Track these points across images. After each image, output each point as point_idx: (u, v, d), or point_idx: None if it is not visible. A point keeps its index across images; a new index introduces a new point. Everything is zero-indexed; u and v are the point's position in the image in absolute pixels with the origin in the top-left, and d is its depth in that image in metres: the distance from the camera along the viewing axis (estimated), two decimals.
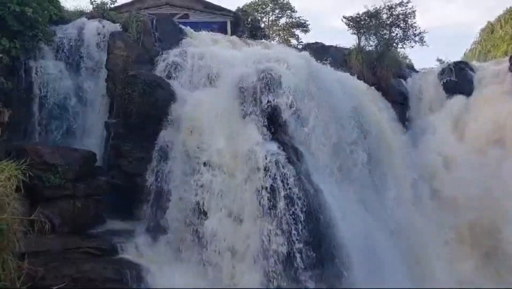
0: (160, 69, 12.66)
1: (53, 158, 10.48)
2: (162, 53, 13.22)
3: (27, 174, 8.71)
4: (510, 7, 22.13)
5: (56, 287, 7.78)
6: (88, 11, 15.77)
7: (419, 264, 12.11)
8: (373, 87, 15.00)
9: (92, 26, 14.03)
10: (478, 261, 12.96)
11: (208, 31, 16.07)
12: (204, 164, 10.69)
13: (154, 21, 14.63)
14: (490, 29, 23.18)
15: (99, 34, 13.89)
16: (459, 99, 15.32)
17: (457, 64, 16.43)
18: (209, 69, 12.46)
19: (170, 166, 10.94)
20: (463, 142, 14.50)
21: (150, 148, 11.20)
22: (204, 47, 13.59)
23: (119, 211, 11.20)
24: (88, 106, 13.10)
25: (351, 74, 14.87)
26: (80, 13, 15.37)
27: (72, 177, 10.53)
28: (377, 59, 15.90)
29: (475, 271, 12.83)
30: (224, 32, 18.74)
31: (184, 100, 11.60)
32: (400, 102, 15.66)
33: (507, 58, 16.33)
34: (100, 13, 15.13)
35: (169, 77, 12.37)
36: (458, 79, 15.86)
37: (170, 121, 11.34)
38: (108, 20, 14.61)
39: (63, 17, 14.50)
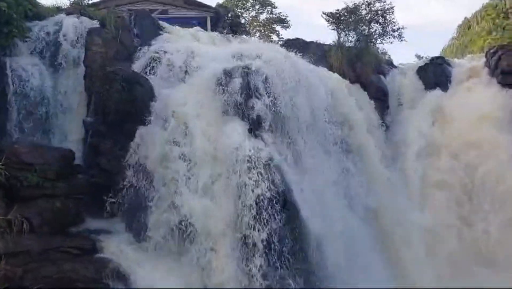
0: (139, 66, 12.54)
1: (30, 157, 10.32)
2: (141, 50, 13.11)
3: (3, 174, 8.56)
4: (486, 4, 22.52)
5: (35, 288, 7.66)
6: (65, 7, 15.52)
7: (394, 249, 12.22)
8: (351, 83, 15.12)
9: (69, 23, 13.78)
10: (453, 244, 13.19)
11: (188, 27, 15.97)
12: (184, 161, 10.62)
13: (133, 17, 14.48)
14: (467, 25, 23.53)
15: (76, 30, 13.67)
16: (436, 94, 15.55)
17: (435, 59, 16.67)
18: (188, 65, 12.39)
19: (150, 164, 10.84)
20: (441, 137, 14.73)
21: (130, 146, 11.09)
22: (184, 43, 13.50)
23: (99, 209, 11.08)
24: (66, 104, 12.88)
25: (331, 71, 15.00)
26: (57, 9, 15.11)
27: (51, 176, 10.38)
28: (357, 55, 16.02)
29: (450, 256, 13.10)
30: (204, 28, 18.65)
31: (164, 97, 11.52)
32: (379, 98, 15.82)
33: (483, 53, 16.63)
34: (77, 9, 14.90)
35: (148, 73, 12.25)
36: (436, 74, 16.09)
37: (149, 118, 11.24)
38: (85, 16, 14.38)
39: (39, 13, 14.21)
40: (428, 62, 16.56)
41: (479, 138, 14.15)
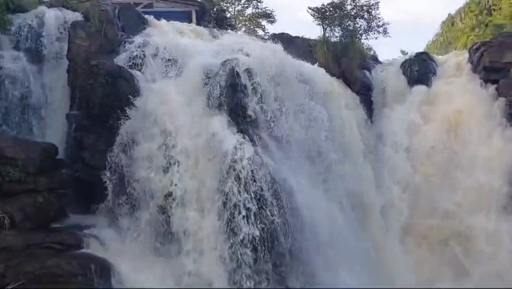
0: (123, 60, 12.43)
1: (12, 151, 10.19)
2: (125, 43, 12.99)
3: None
4: (469, 0, 22.76)
5: (15, 284, 7.56)
6: None
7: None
8: (336, 78, 15.19)
9: (52, 15, 13.60)
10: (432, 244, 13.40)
11: (173, 20, 15.85)
12: (169, 156, 10.57)
13: (117, 10, 14.34)
14: (450, 22, 23.80)
15: (59, 23, 13.49)
16: (420, 90, 15.69)
17: (419, 55, 16.78)
18: (173, 60, 12.33)
19: (134, 160, 10.76)
20: (424, 132, 14.90)
21: (114, 140, 11.00)
22: (168, 37, 13.41)
23: (83, 205, 11.01)
24: (49, 97, 12.74)
25: (317, 66, 15.03)
26: (39, 2, 14.87)
27: (33, 170, 10.25)
28: (342, 51, 16.06)
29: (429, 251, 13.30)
30: (189, 22, 18.53)
31: (148, 91, 11.45)
32: (364, 94, 15.91)
33: (466, 50, 16.81)
34: (60, 1, 14.66)
35: (132, 67, 12.16)
36: (420, 70, 16.21)
37: (134, 112, 11.15)
38: (68, 9, 14.18)
39: (21, 6, 13.98)
40: (413, 58, 16.66)
41: (461, 133, 14.35)
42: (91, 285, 9.29)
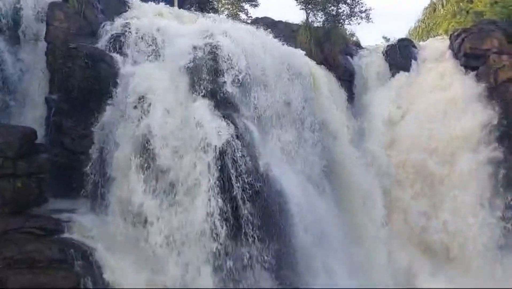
0: (103, 43, 12.21)
1: None
2: (105, 26, 12.72)
3: None
4: None
5: None
6: None
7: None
8: (318, 63, 15.18)
9: None
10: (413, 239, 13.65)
11: (154, 3, 15.60)
12: (150, 140, 10.48)
13: None
14: (432, 8, 23.94)
15: (36, 4, 13.12)
16: (402, 76, 15.83)
17: (401, 41, 16.90)
18: (154, 43, 12.14)
19: (114, 144, 10.64)
20: (405, 117, 15.06)
21: (94, 124, 10.87)
22: (150, 20, 13.19)
23: (63, 190, 10.89)
24: (27, 81, 12.46)
25: (300, 50, 14.97)
26: None
27: (12, 155, 10.06)
28: (325, 36, 16.07)
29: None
30: (171, 4, 18.24)
31: (129, 75, 11.27)
32: (346, 79, 15.97)
33: (448, 36, 16.95)
34: None
35: (112, 50, 11.95)
36: (401, 56, 16.34)
37: (114, 96, 11.02)
38: None
39: None
40: (395, 44, 16.77)
41: (442, 119, 14.56)
42: (71, 270, 9.23)
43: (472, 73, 15.09)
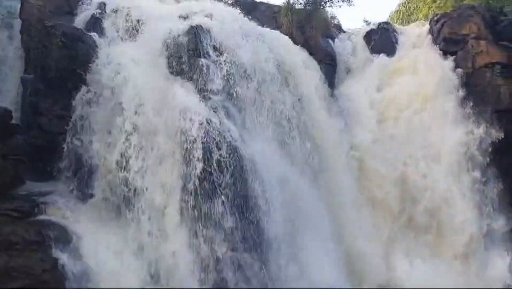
0: (81, 22, 12.01)
1: None
2: (83, 4, 12.49)
3: None
4: None
5: None
6: None
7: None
8: (300, 46, 15.15)
9: None
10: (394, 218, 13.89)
11: None
12: (128, 121, 10.38)
13: None
14: None
15: None
16: (382, 60, 15.90)
17: (381, 25, 16.92)
18: (133, 23, 11.97)
19: (92, 125, 10.54)
20: (384, 101, 15.19)
21: (71, 105, 10.71)
22: (129, 0, 12.95)
23: (40, 171, 10.75)
24: (1, 59, 12.17)
25: (280, 33, 14.91)
26: None
27: None
28: (306, 18, 15.97)
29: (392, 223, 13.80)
30: None
31: (107, 55, 11.12)
32: (327, 62, 15.95)
33: (428, 21, 17.04)
34: None
35: (90, 30, 11.75)
36: (382, 40, 16.38)
37: (92, 76, 10.85)
38: None
39: None
40: (375, 28, 16.79)
41: (421, 103, 14.74)
42: (49, 252, 9.16)
43: (451, 58, 15.24)
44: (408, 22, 20.27)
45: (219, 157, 10.21)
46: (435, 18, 16.21)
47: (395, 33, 16.74)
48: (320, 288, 10.40)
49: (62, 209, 10.11)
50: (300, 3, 16.62)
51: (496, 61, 14.75)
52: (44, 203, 10.07)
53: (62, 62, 10.88)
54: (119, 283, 9.37)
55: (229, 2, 17.51)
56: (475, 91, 14.63)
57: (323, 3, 17.02)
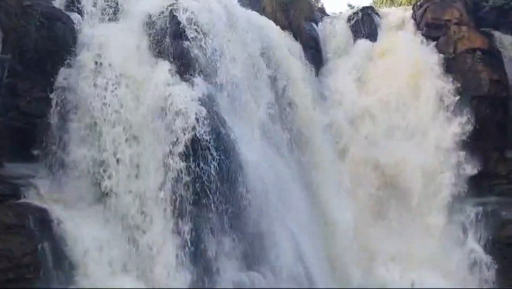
0: (60, 1, 11.70)
1: None
2: None
3: None
4: None
5: None
6: None
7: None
8: (283, 29, 15.09)
9: None
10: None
11: None
12: (110, 103, 10.25)
13: None
14: None
15: None
16: (365, 44, 15.95)
17: (364, 9, 16.93)
18: (114, 3, 11.72)
19: (73, 106, 10.37)
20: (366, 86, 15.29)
21: (51, 87, 10.50)
22: None
23: (19, 154, 10.53)
24: None
25: (264, 15, 14.82)
26: None
27: None
28: (290, 1, 15.90)
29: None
30: None
31: (87, 36, 10.92)
32: (311, 46, 15.95)
33: (411, 6, 17.10)
34: None
35: (70, 9, 11.50)
36: (365, 24, 16.42)
37: (72, 57, 10.66)
38: None
39: None
40: (359, 12, 16.79)
41: (403, 86, 14.89)
42: (29, 235, 9.07)
43: (433, 44, 15.36)
44: (392, 6, 20.29)
45: (201, 139, 10.15)
46: (418, 3, 16.30)
47: (378, 18, 16.79)
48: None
49: (42, 192, 9.98)
50: None
51: (477, 47, 14.96)
52: (24, 186, 9.92)
53: (40, 43, 10.66)
54: (100, 267, 9.36)
55: None
56: (456, 77, 14.80)
57: None
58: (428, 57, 15.14)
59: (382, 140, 14.50)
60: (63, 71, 10.58)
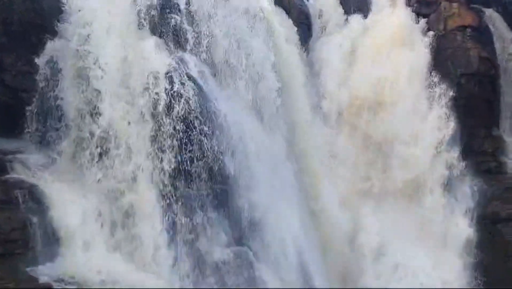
0: None
1: None
2: None
3: None
4: None
5: None
6: None
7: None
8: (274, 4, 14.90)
9: None
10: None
11: None
12: (98, 77, 10.09)
13: None
14: None
15: None
16: (356, 20, 15.85)
17: None
18: None
19: (60, 81, 10.21)
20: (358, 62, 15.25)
21: (38, 61, 10.30)
22: None
23: (7, 129, 10.43)
24: None
25: None
26: None
27: None
28: None
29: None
30: None
31: (74, 9, 10.68)
32: (302, 22, 15.79)
33: None
34: None
35: None
36: (356, 0, 16.26)
37: (58, 31, 10.46)
38: None
39: None
40: None
41: (392, 62, 14.88)
42: (17, 210, 9.07)
43: (423, 21, 15.31)
44: None
45: (188, 113, 10.14)
46: None
47: None
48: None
49: (30, 167, 9.90)
50: None
51: (467, 24, 14.94)
52: (12, 161, 9.85)
53: (26, 16, 10.48)
54: (88, 242, 9.39)
55: None
56: (446, 54, 14.81)
57: None
58: (418, 34, 15.10)
59: (370, 113, 14.55)
60: (49, 45, 10.39)
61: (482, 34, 14.98)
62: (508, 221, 13.18)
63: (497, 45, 15.19)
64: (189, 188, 10.07)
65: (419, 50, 14.86)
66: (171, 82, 10.12)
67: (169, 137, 9.94)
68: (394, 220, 13.78)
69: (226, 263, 10.19)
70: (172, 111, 10.03)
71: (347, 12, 16.07)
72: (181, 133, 10.00)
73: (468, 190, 14.05)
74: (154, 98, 10.11)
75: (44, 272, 8.77)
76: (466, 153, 14.27)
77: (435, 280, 13.22)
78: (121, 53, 10.32)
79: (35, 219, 9.08)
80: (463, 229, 13.65)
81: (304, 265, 11.16)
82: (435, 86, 14.46)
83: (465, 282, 13.24)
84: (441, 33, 15.07)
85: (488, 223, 13.53)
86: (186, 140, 10.00)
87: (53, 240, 9.22)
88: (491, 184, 14.07)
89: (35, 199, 9.34)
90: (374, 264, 13.41)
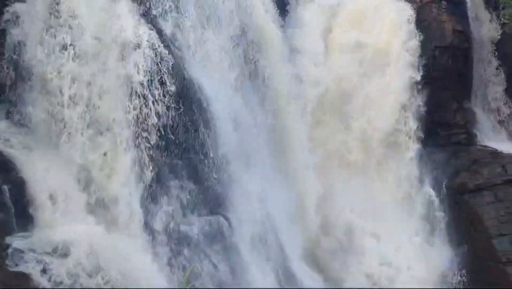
0: None
1: None
2: None
3: None
4: None
5: None
6: None
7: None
8: None
9: None
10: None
11: None
12: (67, 46, 9.79)
13: None
14: None
15: None
16: None
17: None
18: None
19: (28, 45, 9.87)
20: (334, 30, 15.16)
21: (5, 21, 9.96)
22: None
23: None
24: None
25: None
26: None
27: None
28: None
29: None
30: None
31: None
32: None
33: None
34: None
35: None
36: None
37: None
38: None
39: None
40: None
41: (368, 35, 14.84)
42: None
43: None
44: None
45: (165, 83, 10.03)
46: None
47: None
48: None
49: (2, 134, 9.70)
50: None
51: None
52: None
53: None
54: (61, 212, 9.29)
55: None
56: (421, 26, 14.83)
57: None
58: (398, 10, 15.00)
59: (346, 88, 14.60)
60: (15, 6, 9.99)
61: (457, 7, 15.02)
62: (475, 192, 13.49)
63: (471, 18, 15.29)
64: (165, 156, 10.00)
65: (398, 25, 14.75)
66: (146, 44, 9.92)
67: (140, 109, 9.80)
68: (366, 189, 14.02)
69: (201, 232, 10.27)
70: (147, 78, 9.89)
71: None
72: (158, 103, 9.89)
73: (438, 161, 14.32)
74: (128, 66, 9.91)
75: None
76: (438, 124, 14.50)
77: (406, 245, 13.57)
78: (92, 18, 10.00)
79: (6, 188, 8.92)
80: (432, 199, 13.97)
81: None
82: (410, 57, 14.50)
83: (430, 246, 13.67)
84: (418, 5, 15.04)
85: (456, 194, 13.86)
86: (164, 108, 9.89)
87: (25, 210, 9.08)
88: (461, 156, 14.36)
89: (6, 167, 9.17)
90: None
